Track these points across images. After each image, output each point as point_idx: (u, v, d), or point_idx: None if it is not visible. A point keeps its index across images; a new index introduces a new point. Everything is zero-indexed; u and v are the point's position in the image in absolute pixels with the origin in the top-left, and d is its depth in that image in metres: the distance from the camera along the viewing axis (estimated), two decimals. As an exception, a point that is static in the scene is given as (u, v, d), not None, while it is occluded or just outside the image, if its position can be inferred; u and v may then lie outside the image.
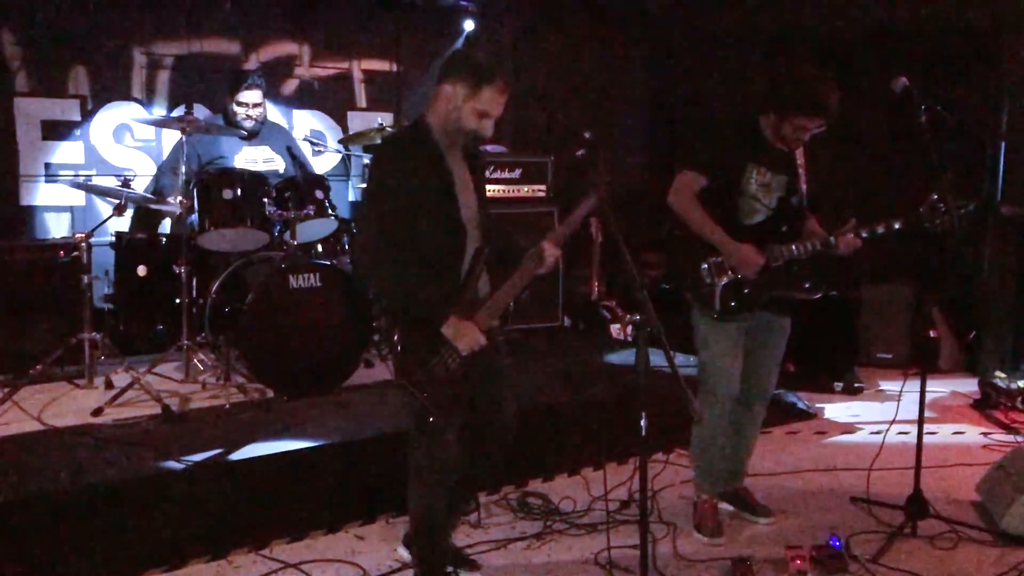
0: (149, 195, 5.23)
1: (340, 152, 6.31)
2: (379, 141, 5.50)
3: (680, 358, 3.53)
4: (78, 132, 5.78)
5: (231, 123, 5.30)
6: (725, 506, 3.93)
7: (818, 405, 5.58)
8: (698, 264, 3.59)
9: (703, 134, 3.85)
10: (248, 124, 5.29)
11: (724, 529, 3.72)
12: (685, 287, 3.64)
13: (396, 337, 2.89)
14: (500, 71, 2.86)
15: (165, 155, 5.99)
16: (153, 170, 5.96)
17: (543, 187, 6.17)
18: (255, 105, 5.29)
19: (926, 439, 3.71)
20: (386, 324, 2.95)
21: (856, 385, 5.97)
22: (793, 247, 3.53)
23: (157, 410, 4.26)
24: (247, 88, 5.25)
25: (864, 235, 3.50)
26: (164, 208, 5.08)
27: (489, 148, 6.12)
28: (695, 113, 7.59)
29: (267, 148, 5.43)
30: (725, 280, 3.56)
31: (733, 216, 3.58)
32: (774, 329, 3.75)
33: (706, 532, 3.70)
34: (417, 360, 2.85)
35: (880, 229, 3.49)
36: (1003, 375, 5.72)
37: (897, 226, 3.47)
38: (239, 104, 5.25)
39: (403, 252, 2.83)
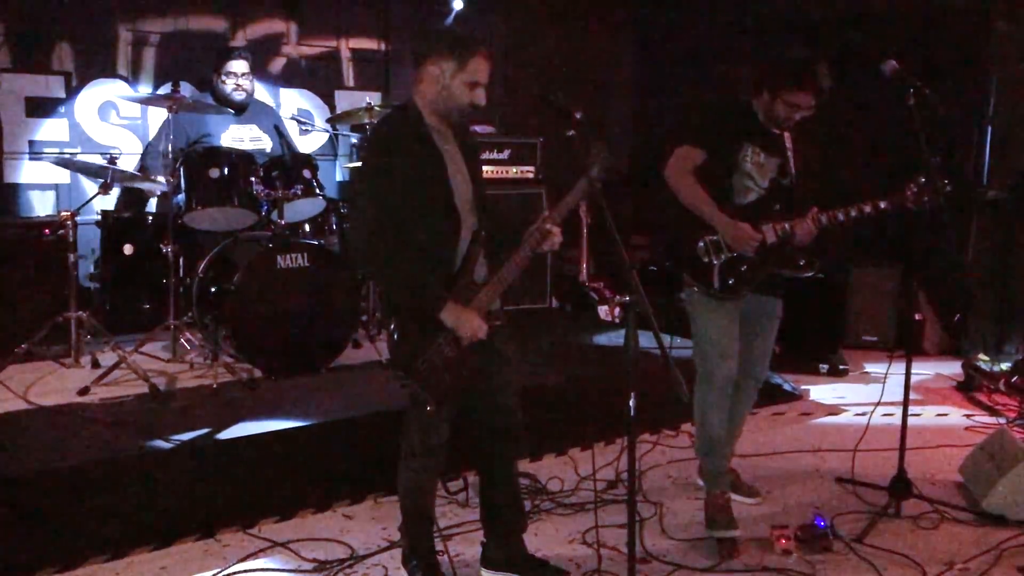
0: (135, 173, 5.19)
1: (328, 131, 6.27)
2: (368, 127, 5.48)
3: (667, 339, 3.54)
4: (63, 109, 5.71)
5: (220, 98, 5.25)
6: None
7: (804, 387, 5.62)
8: (695, 242, 3.59)
9: (700, 111, 3.85)
10: (238, 96, 5.25)
11: (737, 524, 3.58)
12: (682, 266, 3.64)
13: (392, 325, 2.85)
14: (480, 39, 2.84)
15: (151, 133, 5.95)
16: (139, 148, 5.92)
17: (532, 168, 6.16)
18: (243, 75, 5.25)
19: (910, 421, 3.74)
20: (382, 311, 2.93)
21: (841, 367, 6.01)
22: (786, 225, 3.55)
23: (144, 389, 4.25)
24: (234, 58, 5.22)
25: (823, 222, 3.54)
26: (150, 186, 5.05)
27: (478, 129, 6.11)
28: (682, 96, 7.59)
29: (254, 127, 5.39)
30: (723, 258, 3.56)
31: (727, 195, 3.59)
32: (767, 311, 3.77)
33: (720, 527, 3.57)
34: (414, 348, 2.81)
35: (840, 216, 3.53)
36: (987, 358, 5.77)
37: (867, 210, 3.50)
38: (227, 75, 5.21)
39: (398, 240, 2.77)
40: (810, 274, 3.65)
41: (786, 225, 3.55)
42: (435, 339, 2.81)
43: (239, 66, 5.23)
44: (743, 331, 3.71)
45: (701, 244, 3.57)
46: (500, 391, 3.06)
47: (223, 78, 5.21)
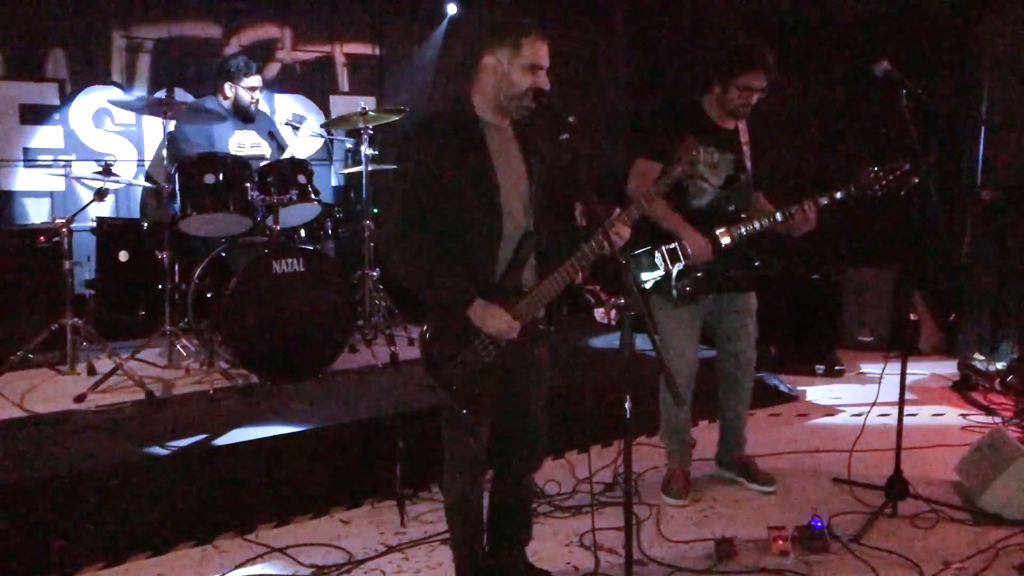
0: (134, 181, 5.20)
1: (323, 137, 6.27)
2: (363, 129, 5.49)
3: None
4: (57, 116, 5.72)
5: (238, 109, 5.28)
6: (729, 474, 4.11)
7: (800, 387, 5.62)
8: (652, 252, 3.67)
9: (648, 120, 3.92)
10: (254, 108, 5.34)
11: (689, 492, 3.90)
12: (641, 275, 3.73)
13: (424, 326, 2.76)
14: (530, 20, 2.71)
15: (146, 140, 5.98)
16: (134, 155, 5.94)
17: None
18: (260, 88, 5.37)
19: (906, 421, 3.76)
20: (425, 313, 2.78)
21: (837, 368, 6.02)
22: (741, 228, 3.62)
23: (140, 396, 4.24)
24: (254, 73, 5.30)
25: (791, 212, 3.59)
26: (146, 186, 5.05)
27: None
28: (676, 96, 7.60)
29: (254, 133, 5.41)
30: (679, 266, 3.64)
31: (682, 198, 3.66)
32: (739, 307, 3.87)
33: (671, 493, 3.89)
34: (444, 353, 2.72)
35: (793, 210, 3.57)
36: (982, 357, 5.78)
37: (838, 196, 3.54)
38: (248, 89, 5.28)
39: (425, 239, 2.65)
40: (769, 273, 3.75)
41: (755, 224, 3.61)
42: (470, 343, 2.71)
43: (256, 80, 5.32)
44: (721, 330, 3.88)
45: (657, 254, 3.67)
46: (532, 403, 2.96)
47: (241, 92, 5.24)
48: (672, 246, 3.64)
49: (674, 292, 3.65)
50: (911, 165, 3.47)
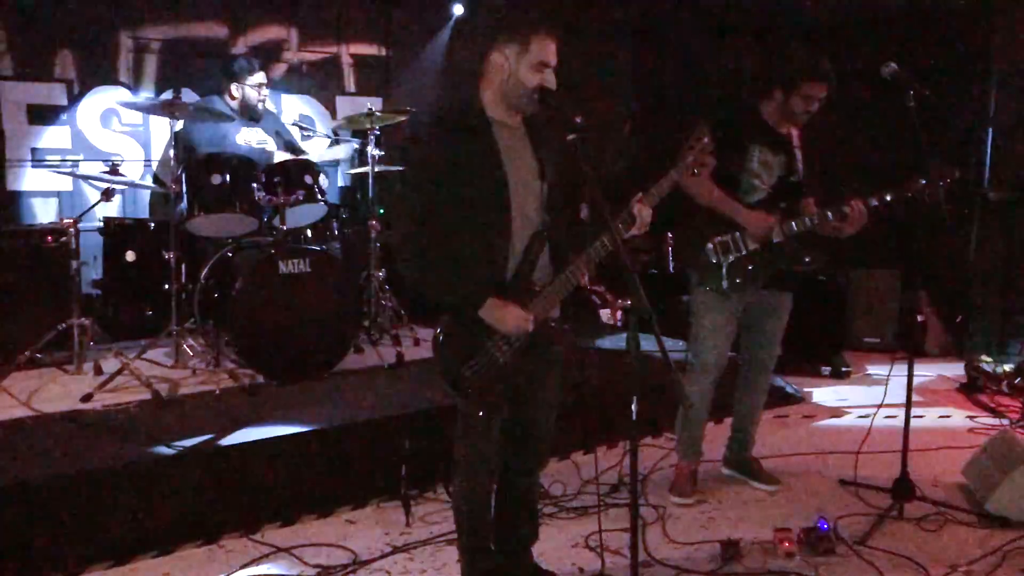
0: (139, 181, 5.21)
1: (329, 137, 6.28)
2: (369, 131, 5.50)
3: (669, 342, 3.54)
4: (65, 116, 5.73)
5: (246, 109, 5.31)
6: (734, 473, 4.13)
7: (806, 389, 5.62)
8: (703, 244, 3.72)
9: (708, 117, 3.96)
10: (261, 106, 5.37)
11: (695, 492, 3.94)
12: (690, 266, 3.81)
13: (438, 328, 2.74)
14: (540, 18, 2.70)
15: (153, 140, 5.99)
16: (141, 155, 5.95)
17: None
18: (265, 85, 5.40)
19: (913, 423, 3.74)
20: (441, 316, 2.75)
21: (844, 369, 6.01)
22: (793, 223, 3.65)
23: (147, 396, 4.25)
24: (258, 70, 5.33)
25: (828, 216, 3.63)
26: (154, 189, 5.07)
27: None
28: (680, 98, 7.60)
29: (260, 130, 5.42)
30: (731, 258, 3.70)
31: (734, 194, 3.71)
32: (776, 306, 3.92)
33: (678, 493, 3.92)
34: (459, 355, 2.70)
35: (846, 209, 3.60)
36: (989, 359, 5.77)
37: (888, 198, 3.56)
38: (255, 87, 5.31)
39: (436, 238, 2.64)
40: (815, 268, 3.79)
41: (806, 219, 3.65)
42: (484, 344, 2.70)
43: (261, 77, 5.36)
44: (754, 324, 3.92)
45: (710, 246, 3.72)
46: (544, 403, 2.95)
47: (248, 91, 5.27)
48: (725, 238, 3.70)
49: (725, 283, 3.69)
50: (955, 170, 3.54)
